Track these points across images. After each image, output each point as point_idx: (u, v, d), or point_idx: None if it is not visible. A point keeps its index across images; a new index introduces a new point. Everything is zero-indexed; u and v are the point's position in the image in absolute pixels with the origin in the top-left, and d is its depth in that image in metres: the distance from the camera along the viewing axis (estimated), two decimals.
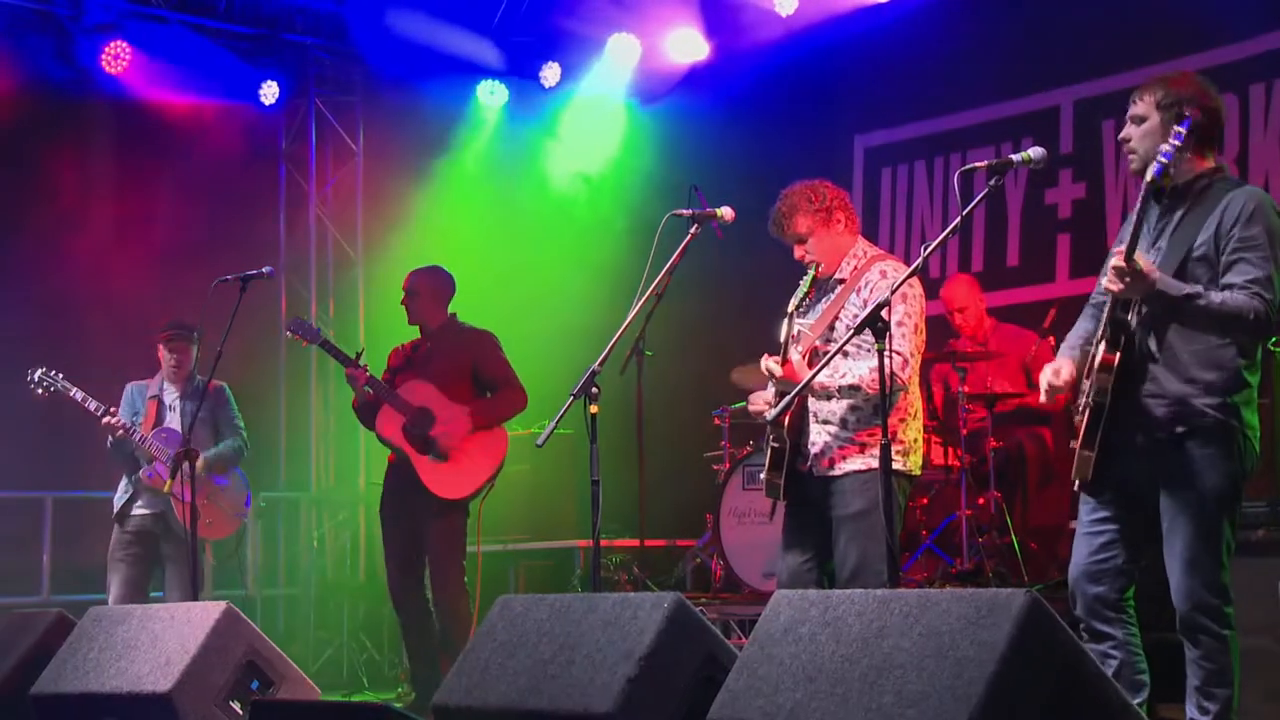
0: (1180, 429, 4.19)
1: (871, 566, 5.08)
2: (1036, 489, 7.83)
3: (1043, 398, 4.52)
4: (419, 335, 7.32)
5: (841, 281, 5.31)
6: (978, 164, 4.64)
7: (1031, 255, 8.90)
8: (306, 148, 11.03)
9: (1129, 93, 4.41)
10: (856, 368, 5.12)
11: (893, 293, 4.71)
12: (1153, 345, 4.23)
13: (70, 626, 5.83)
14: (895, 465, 5.13)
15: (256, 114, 10.81)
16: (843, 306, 5.25)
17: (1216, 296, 4.09)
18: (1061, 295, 8.32)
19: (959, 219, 4.58)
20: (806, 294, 5.21)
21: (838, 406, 5.23)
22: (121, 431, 7.35)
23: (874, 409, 5.16)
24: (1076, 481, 4.33)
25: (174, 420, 7.58)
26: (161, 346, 7.61)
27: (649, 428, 7.53)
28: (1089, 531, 4.37)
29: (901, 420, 5.23)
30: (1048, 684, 3.26)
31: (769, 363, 5.16)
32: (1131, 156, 4.36)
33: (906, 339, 5.15)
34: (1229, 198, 4.20)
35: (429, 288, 7.26)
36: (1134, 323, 4.22)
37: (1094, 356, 4.26)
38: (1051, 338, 7.38)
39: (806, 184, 5.41)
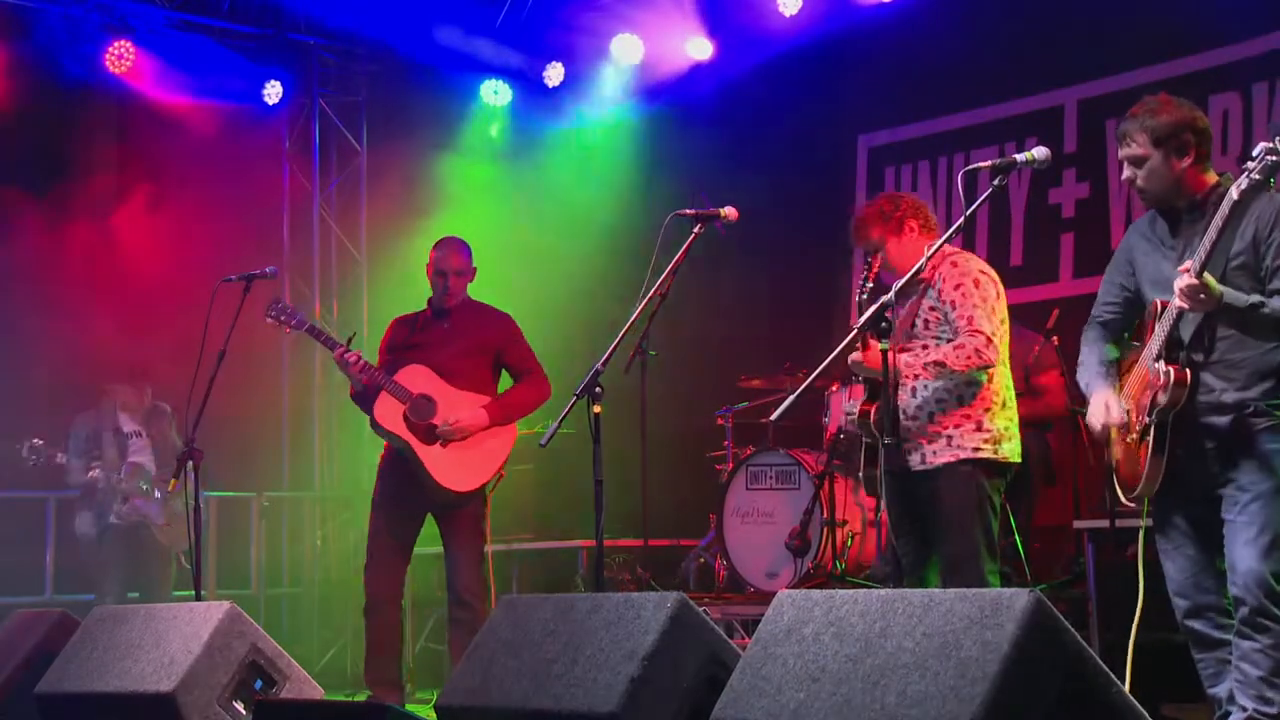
0: (1247, 431, 4.26)
1: (973, 562, 5.21)
2: (1040, 489, 7.81)
3: (1097, 432, 4.58)
4: (426, 309, 7.02)
5: (923, 281, 5.41)
6: (981, 164, 4.66)
7: (1035, 255, 8.89)
8: (310, 147, 11.03)
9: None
10: (942, 348, 5.22)
11: (895, 293, 4.74)
12: (1204, 358, 4.30)
13: (73, 626, 5.84)
14: (984, 454, 5.28)
15: (260, 114, 10.81)
16: (921, 303, 5.39)
17: (1278, 302, 4.17)
18: (1065, 295, 8.32)
19: (962, 219, 4.61)
20: (866, 279, 5.37)
21: (922, 400, 5.33)
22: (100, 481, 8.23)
23: (958, 399, 5.31)
24: (1134, 499, 4.38)
25: (137, 448, 8.39)
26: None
27: (652, 427, 7.55)
28: (1174, 547, 4.43)
29: (988, 409, 5.31)
30: (1051, 684, 3.25)
31: (852, 355, 5.29)
32: (1143, 196, 4.45)
33: (987, 319, 5.28)
34: (1257, 205, 4.25)
35: (468, 265, 6.95)
36: (1188, 338, 4.29)
37: (1155, 378, 4.29)
38: (1055, 338, 7.37)
39: (882, 195, 5.68)
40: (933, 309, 5.35)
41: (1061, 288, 8.57)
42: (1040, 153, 4.64)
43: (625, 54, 10.19)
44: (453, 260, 6.91)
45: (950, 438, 5.28)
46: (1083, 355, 4.70)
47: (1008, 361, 5.47)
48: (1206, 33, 7.99)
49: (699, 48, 10.04)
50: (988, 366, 5.24)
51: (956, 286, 5.30)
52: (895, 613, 3.47)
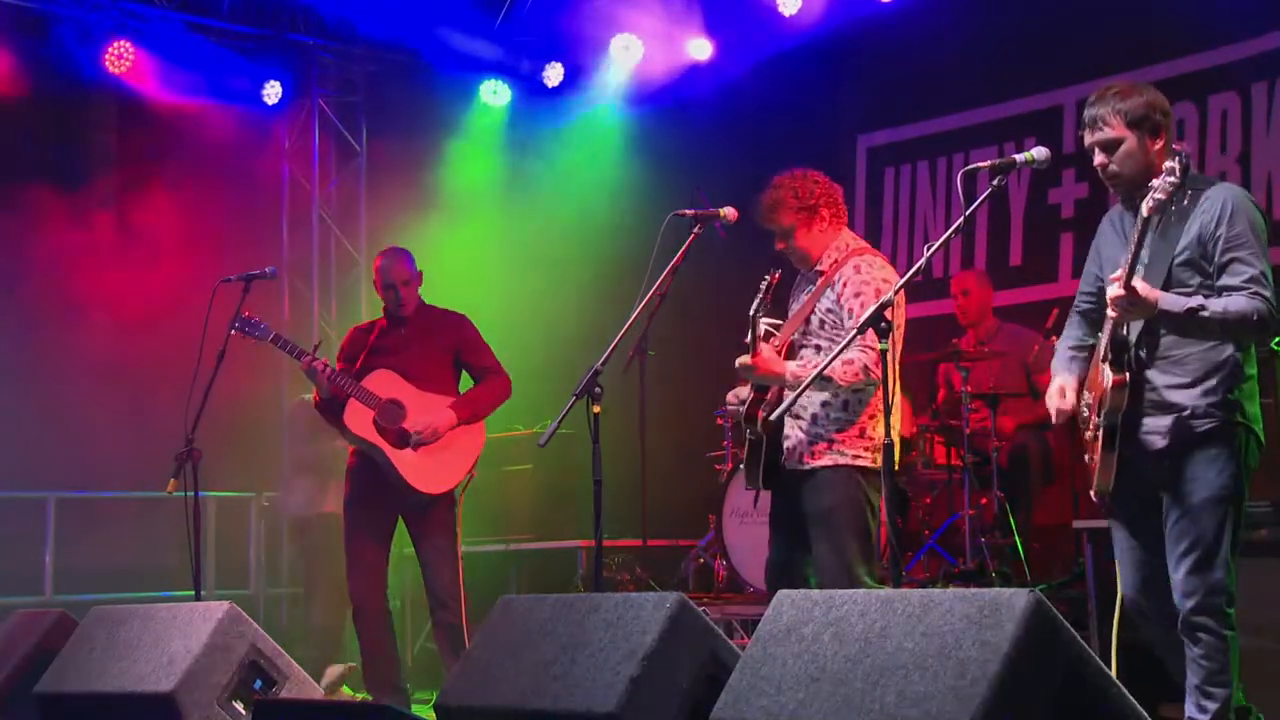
0: (1187, 434, 4.21)
1: (844, 563, 5.12)
2: (1040, 488, 7.82)
3: (1054, 419, 4.54)
4: (382, 318, 7.01)
5: (820, 273, 5.33)
6: (981, 164, 4.64)
7: (1034, 255, 8.89)
8: (309, 147, 11.03)
9: None
10: (832, 364, 5.10)
11: (894, 293, 4.71)
12: (1149, 354, 4.26)
13: (73, 626, 5.85)
14: (862, 461, 5.22)
15: (259, 114, 10.83)
16: (818, 300, 5.28)
17: (1218, 304, 4.10)
18: (1064, 295, 8.30)
19: (962, 219, 4.58)
20: (763, 299, 5.22)
21: (809, 402, 5.25)
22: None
23: (843, 404, 5.24)
24: (1095, 495, 4.36)
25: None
26: None
27: (651, 428, 7.56)
28: (1129, 547, 4.40)
29: (872, 417, 5.25)
30: (1051, 684, 3.25)
31: (740, 359, 5.20)
32: (1115, 181, 4.37)
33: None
34: (1205, 198, 4.22)
35: (414, 273, 6.93)
36: (1133, 340, 4.25)
37: (1100, 379, 4.27)
38: (1054, 338, 7.36)
39: (796, 176, 5.48)
40: (830, 310, 5.25)
41: (1061, 288, 8.55)
42: (1040, 153, 4.61)
43: (625, 54, 10.19)
44: (398, 271, 6.89)
45: (833, 442, 5.21)
46: (1058, 343, 4.70)
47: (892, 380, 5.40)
48: (1205, 33, 7.98)
49: (698, 48, 10.05)
50: (875, 384, 5.16)
51: (856, 294, 5.19)
52: (895, 613, 3.47)
